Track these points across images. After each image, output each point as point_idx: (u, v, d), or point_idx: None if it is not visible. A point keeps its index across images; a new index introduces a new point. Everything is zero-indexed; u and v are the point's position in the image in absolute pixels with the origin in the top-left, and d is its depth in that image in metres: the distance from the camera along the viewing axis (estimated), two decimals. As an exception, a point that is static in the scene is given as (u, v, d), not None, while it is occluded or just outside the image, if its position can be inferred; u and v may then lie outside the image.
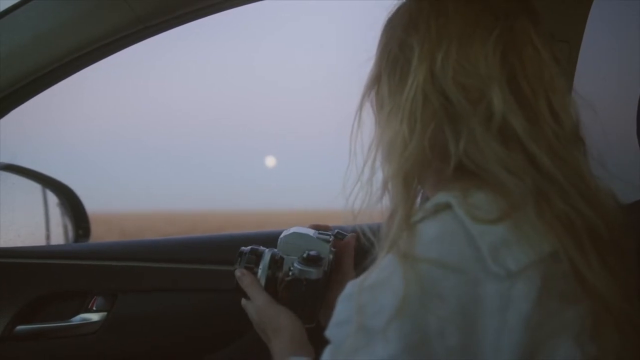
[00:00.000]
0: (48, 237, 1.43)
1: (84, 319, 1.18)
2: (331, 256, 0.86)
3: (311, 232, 0.89)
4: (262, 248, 0.87)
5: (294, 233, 0.87)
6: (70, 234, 1.43)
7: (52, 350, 1.18)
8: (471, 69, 0.59)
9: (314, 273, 0.80)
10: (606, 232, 0.56)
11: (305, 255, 0.81)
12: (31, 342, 1.17)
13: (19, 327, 1.15)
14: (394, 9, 0.70)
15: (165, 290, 1.23)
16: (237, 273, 0.85)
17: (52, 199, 1.43)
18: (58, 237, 1.45)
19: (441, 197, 0.57)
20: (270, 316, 0.80)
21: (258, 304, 0.81)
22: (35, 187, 1.41)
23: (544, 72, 0.61)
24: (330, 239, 0.87)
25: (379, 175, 0.63)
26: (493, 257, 0.52)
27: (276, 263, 0.84)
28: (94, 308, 1.19)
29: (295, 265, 0.82)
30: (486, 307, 0.51)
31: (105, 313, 1.19)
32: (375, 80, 0.69)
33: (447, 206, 0.56)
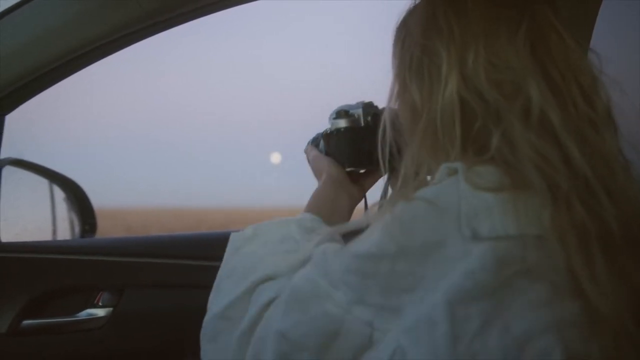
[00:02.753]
0: (54, 232, 1.44)
1: (90, 314, 1.19)
2: (369, 118, 0.93)
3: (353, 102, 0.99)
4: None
5: (337, 108, 0.97)
6: (77, 229, 1.43)
7: (58, 345, 1.19)
8: (503, 65, 0.59)
9: (341, 122, 0.93)
10: (628, 232, 0.55)
11: (334, 111, 0.94)
12: (37, 337, 1.17)
13: (25, 322, 1.16)
14: (405, 13, 0.70)
15: (171, 286, 1.23)
16: (305, 149, 1.01)
17: (59, 194, 1.44)
18: (64, 232, 1.46)
19: (454, 164, 0.58)
20: (316, 164, 0.95)
21: (310, 158, 0.97)
22: (43, 182, 1.41)
23: (570, 56, 0.61)
24: (368, 103, 0.95)
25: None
26: (468, 219, 0.52)
27: None
28: (100, 303, 1.20)
29: (329, 123, 0.95)
30: (443, 254, 0.52)
31: (111, 308, 1.20)
32: (402, 89, 0.68)
33: (455, 171, 0.57)
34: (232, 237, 0.77)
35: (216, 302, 0.69)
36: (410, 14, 0.69)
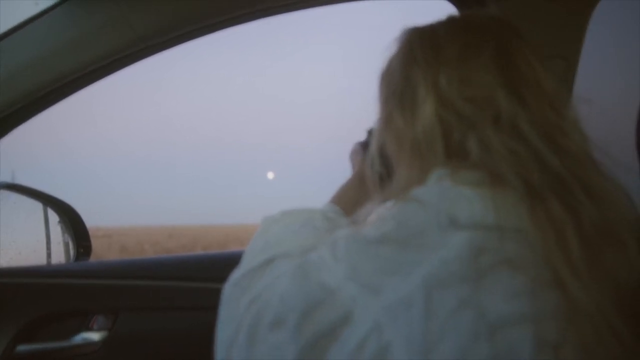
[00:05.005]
0: (49, 255, 1.43)
1: (85, 339, 1.18)
2: None
3: None
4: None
5: None
6: (72, 252, 1.42)
7: (53, 370, 1.18)
8: (473, 81, 0.65)
9: None
10: (611, 229, 0.58)
11: None
12: (32, 362, 1.16)
13: (21, 347, 1.15)
14: (388, 59, 0.77)
15: (167, 309, 1.23)
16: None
17: (54, 217, 1.43)
18: (59, 256, 1.45)
19: (442, 170, 0.63)
20: (352, 157, 1.01)
21: (349, 153, 1.02)
22: (37, 206, 1.41)
23: (538, 76, 0.67)
24: None
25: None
26: (446, 209, 0.57)
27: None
28: (95, 327, 1.19)
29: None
30: (422, 243, 0.56)
31: (106, 332, 1.19)
32: (388, 119, 0.74)
33: (443, 176, 0.62)
34: (263, 219, 0.83)
35: (236, 271, 0.74)
36: (391, 61, 0.76)
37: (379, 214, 0.63)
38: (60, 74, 1.12)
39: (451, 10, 1.28)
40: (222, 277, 1.27)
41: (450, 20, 0.74)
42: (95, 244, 1.48)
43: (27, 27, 1.08)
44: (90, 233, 1.46)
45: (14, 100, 1.12)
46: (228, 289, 0.72)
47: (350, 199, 0.91)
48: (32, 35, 1.08)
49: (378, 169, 0.79)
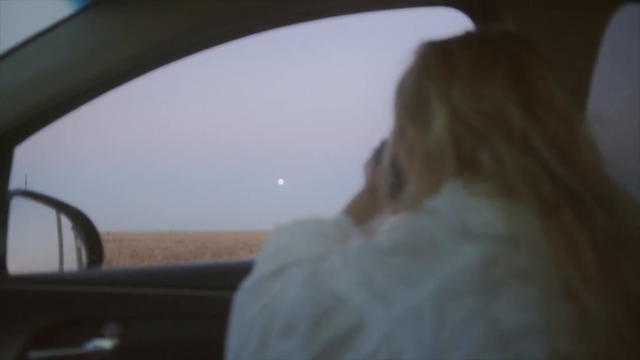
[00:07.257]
0: (62, 262, 1.44)
1: (97, 346, 1.19)
2: None
3: None
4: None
5: None
6: (84, 258, 1.43)
7: (64, 376, 1.18)
8: (486, 95, 0.66)
9: None
10: (625, 238, 0.58)
11: None
12: (44, 369, 1.17)
13: (33, 353, 1.16)
14: (403, 72, 0.77)
15: (178, 317, 1.23)
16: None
17: (66, 223, 1.44)
18: (71, 261, 1.46)
19: (455, 182, 0.64)
20: (365, 169, 1.00)
21: (362, 165, 1.02)
22: (50, 212, 1.42)
23: (551, 91, 0.67)
24: None
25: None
26: (459, 218, 0.57)
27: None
28: (106, 334, 1.20)
29: None
30: (433, 252, 0.57)
31: (117, 340, 1.19)
32: (401, 132, 0.75)
33: (456, 187, 0.63)
34: (275, 227, 0.84)
35: (248, 279, 0.74)
36: (408, 70, 0.77)
37: (390, 225, 0.64)
38: (77, 83, 1.13)
39: (468, 23, 1.29)
40: (232, 286, 1.27)
41: (466, 35, 0.75)
42: (106, 248, 1.49)
43: (45, 36, 1.09)
44: (102, 237, 1.48)
45: (29, 109, 1.13)
46: (240, 296, 0.72)
47: (362, 210, 0.91)
48: (49, 45, 1.10)
49: (390, 180, 0.79)
